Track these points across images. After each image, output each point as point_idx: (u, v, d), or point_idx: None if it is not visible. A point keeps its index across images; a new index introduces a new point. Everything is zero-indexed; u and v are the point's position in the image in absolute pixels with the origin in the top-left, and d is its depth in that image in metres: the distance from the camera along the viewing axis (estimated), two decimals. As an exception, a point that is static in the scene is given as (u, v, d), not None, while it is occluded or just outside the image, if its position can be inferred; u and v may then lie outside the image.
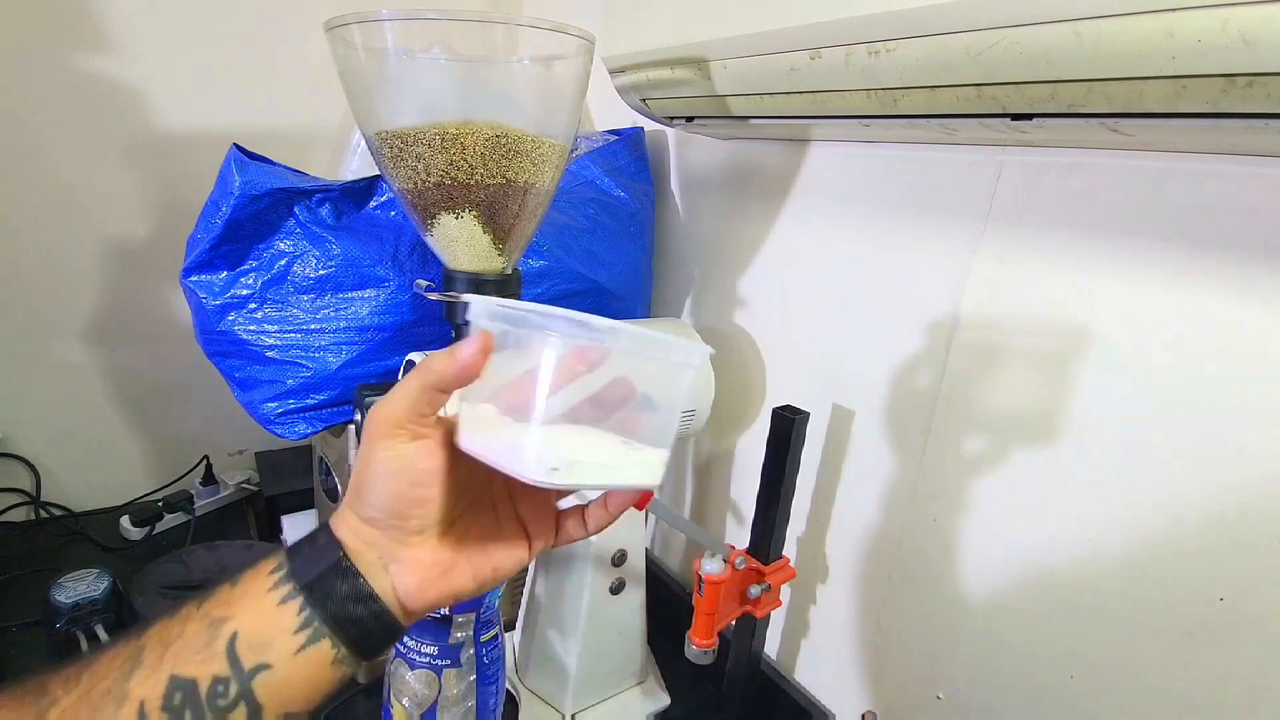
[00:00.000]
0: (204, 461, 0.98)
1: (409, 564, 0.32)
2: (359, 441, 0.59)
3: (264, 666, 0.29)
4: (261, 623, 0.29)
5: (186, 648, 0.29)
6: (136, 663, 0.29)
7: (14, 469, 0.90)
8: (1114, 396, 0.46)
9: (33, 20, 0.77)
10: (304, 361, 0.62)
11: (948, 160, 0.54)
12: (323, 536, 0.32)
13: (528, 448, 0.29)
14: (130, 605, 0.72)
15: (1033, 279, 0.49)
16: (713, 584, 0.54)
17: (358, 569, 0.31)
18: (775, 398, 0.73)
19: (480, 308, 0.31)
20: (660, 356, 0.32)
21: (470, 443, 0.31)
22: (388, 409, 0.31)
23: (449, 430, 0.32)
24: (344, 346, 0.62)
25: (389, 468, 0.31)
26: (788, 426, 0.57)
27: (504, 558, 0.34)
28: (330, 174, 0.87)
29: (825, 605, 0.70)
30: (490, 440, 0.31)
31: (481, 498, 0.35)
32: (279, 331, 0.61)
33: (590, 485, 0.31)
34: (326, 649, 0.30)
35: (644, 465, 0.32)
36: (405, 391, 0.31)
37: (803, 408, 0.58)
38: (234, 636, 0.29)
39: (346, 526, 0.32)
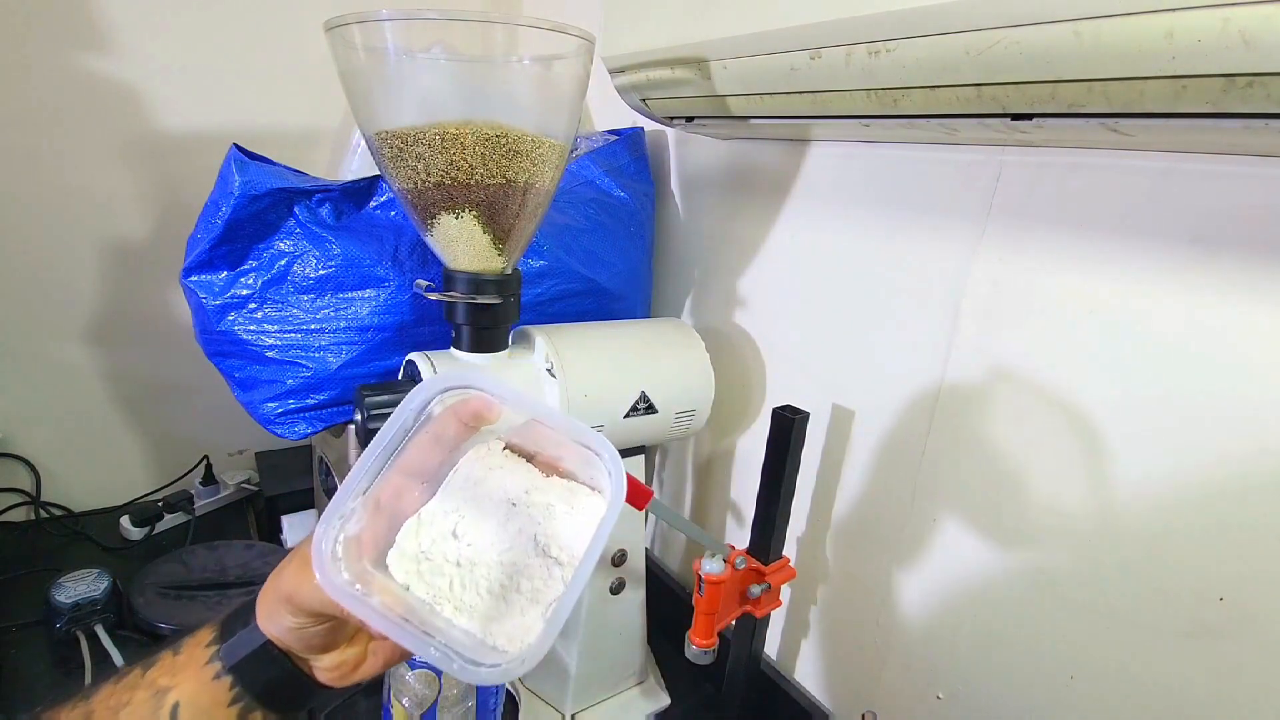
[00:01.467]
0: (204, 461, 0.98)
1: (321, 665, 0.34)
2: (359, 442, 0.59)
3: None
4: (201, 694, 0.32)
5: (133, 716, 0.31)
6: None
7: (14, 469, 0.90)
8: (1114, 396, 0.46)
9: (33, 20, 0.77)
10: (304, 361, 0.62)
11: (948, 160, 0.54)
12: (252, 618, 0.33)
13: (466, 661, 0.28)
14: (130, 605, 0.72)
15: (1033, 278, 0.49)
16: (713, 584, 0.54)
17: (282, 652, 0.33)
18: (775, 398, 0.73)
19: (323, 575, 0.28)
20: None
21: (381, 625, 0.28)
22: (288, 585, 0.32)
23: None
24: (344, 346, 0.62)
25: (287, 625, 0.32)
26: (788, 426, 0.57)
27: None
28: (330, 174, 0.87)
29: (825, 605, 0.70)
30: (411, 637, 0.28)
31: None
32: (279, 331, 0.61)
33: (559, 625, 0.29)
34: (259, 719, 0.33)
35: (588, 511, 0.32)
36: (287, 607, 0.31)
37: (803, 408, 0.58)
38: (176, 707, 0.32)
39: (265, 621, 0.33)
